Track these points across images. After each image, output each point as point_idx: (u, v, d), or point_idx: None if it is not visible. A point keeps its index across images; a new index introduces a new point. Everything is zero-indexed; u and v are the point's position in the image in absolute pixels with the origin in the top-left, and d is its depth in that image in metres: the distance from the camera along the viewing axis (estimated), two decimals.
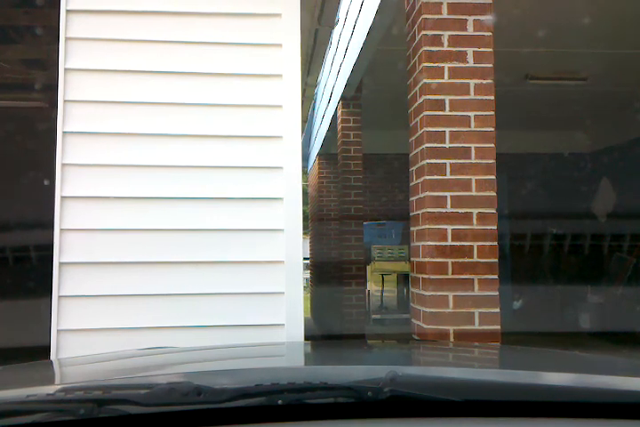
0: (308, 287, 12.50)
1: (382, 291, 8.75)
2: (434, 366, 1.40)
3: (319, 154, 9.01)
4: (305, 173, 12.10)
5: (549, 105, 7.04)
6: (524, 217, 6.99)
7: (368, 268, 8.11)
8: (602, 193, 7.86)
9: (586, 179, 8.13)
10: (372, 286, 8.63)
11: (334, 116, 6.71)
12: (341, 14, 5.23)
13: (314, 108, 9.06)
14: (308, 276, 12.21)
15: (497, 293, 2.69)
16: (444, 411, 0.97)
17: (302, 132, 8.98)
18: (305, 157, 10.53)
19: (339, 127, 6.33)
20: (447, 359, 1.58)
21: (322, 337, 7.34)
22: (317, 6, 3.84)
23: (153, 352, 1.80)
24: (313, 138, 9.70)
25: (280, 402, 0.94)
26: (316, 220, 9.55)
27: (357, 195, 6.30)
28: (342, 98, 6.15)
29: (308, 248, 11.67)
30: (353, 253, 6.38)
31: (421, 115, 2.76)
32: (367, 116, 6.33)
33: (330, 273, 7.80)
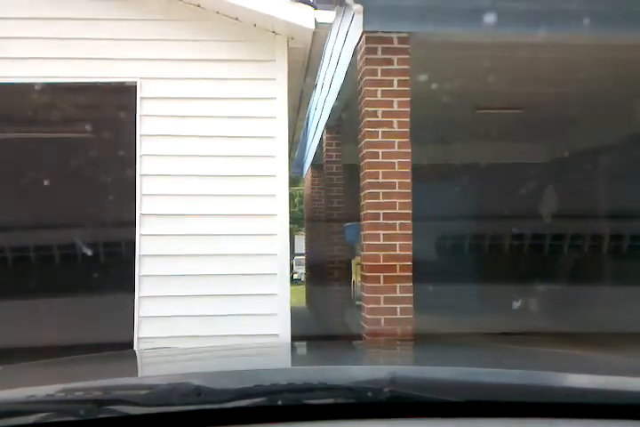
0: (303, 282, 13.51)
1: None
2: (434, 366, 1.35)
3: (312, 164, 10.55)
4: (301, 179, 13.51)
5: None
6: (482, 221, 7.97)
7: (353, 261, 9.53)
8: (547, 198, 9.31)
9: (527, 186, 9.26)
10: (357, 277, 10.04)
11: (321, 139, 8.23)
12: (320, 78, 6.67)
13: (306, 130, 10.54)
14: (304, 270, 13.21)
15: (411, 294, 4.05)
16: (443, 411, 0.96)
17: (298, 146, 10.50)
18: (300, 165, 12.08)
19: (324, 149, 7.85)
20: (447, 360, 1.55)
21: (313, 322, 8.68)
22: (303, 72, 5.37)
23: (153, 353, 1.86)
24: (306, 150, 11.19)
25: (280, 403, 0.94)
26: (310, 220, 11.10)
27: (339, 202, 7.86)
28: (326, 126, 7.65)
29: (304, 244, 12.99)
30: (335, 250, 8.00)
31: (364, 161, 4.30)
32: (347, 138, 7.75)
33: (322, 266, 9.04)
